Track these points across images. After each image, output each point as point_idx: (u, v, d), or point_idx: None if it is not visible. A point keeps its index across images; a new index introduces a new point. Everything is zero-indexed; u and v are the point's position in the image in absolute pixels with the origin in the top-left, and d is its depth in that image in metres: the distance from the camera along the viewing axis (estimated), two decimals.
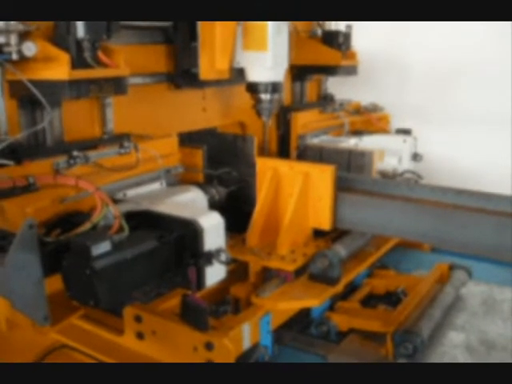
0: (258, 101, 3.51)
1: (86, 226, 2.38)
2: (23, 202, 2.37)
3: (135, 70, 3.10)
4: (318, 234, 3.38)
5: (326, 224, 3.25)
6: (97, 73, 2.63)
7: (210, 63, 3.32)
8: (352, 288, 3.65)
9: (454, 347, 3.11)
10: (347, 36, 4.42)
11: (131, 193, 2.93)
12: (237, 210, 3.45)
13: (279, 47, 3.33)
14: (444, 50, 5.09)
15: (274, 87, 3.45)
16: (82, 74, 2.56)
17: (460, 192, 3.04)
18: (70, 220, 2.51)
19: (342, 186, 3.26)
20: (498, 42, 4.83)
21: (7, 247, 2.12)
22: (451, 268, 3.77)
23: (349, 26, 4.43)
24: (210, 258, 2.49)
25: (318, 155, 4.09)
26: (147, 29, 3.31)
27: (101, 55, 2.67)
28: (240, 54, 3.32)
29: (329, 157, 4.02)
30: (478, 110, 5.02)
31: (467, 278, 3.74)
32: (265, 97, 3.48)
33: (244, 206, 3.51)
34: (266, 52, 3.27)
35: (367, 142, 4.32)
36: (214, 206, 3.20)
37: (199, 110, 3.74)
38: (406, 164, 4.34)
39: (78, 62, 2.56)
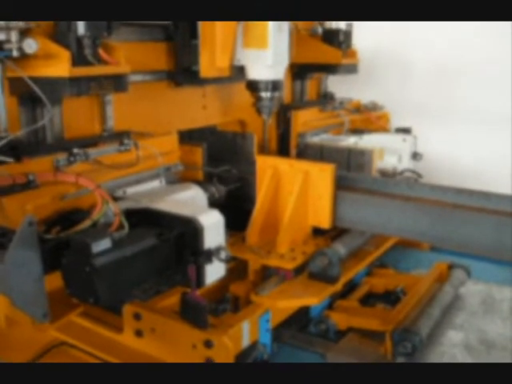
0: (258, 99, 3.51)
1: (86, 223, 2.38)
2: (23, 199, 2.36)
3: (135, 67, 3.08)
4: (317, 232, 3.38)
5: (325, 222, 3.25)
6: (97, 70, 2.62)
7: (211, 61, 3.31)
8: (351, 287, 3.66)
9: (453, 346, 3.11)
10: (348, 34, 4.41)
11: (131, 190, 2.93)
12: (237, 208, 3.45)
13: (280, 45, 3.32)
14: (444, 49, 5.09)
15: (275, 85, 3.45)
16: (82, 71, 2.55)
17: (459, 191, 3.04)
18: (69, 217, 2.51)
19: (341, 185, 3.26)
20: (498, 41, 4.82)
21: (7, 244, 2.13)
22: (450, 267, 3.78)
23: (349, 25, 4.42)
24: (209, 255, 2.49)
25: (318, 154, 4.09)
26: (148, 26, 3.31)
27: (101, 52, 2.66)
28: (240, 51, 3.32)
29: (329, 155, 4.02)
30: (478, 109, 5.02)
31: (466, 278, 3.74)
32: (265, 95, 3.47)
33: (244, 204, 3.50)
34: (267, 50, 3.26)
35: (367, 141, 4.32)
36: (213, 203, 3.20)
37: (199, 108, 3.73)
38: (406, 163, 4.33)
39: (78, 59, 2.55)
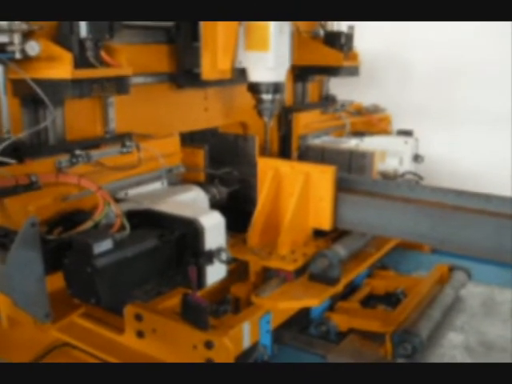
0: (259, 101, 3.52)
1: (88, 224, 2.40)
2: (25, 200, 2.38)
3: (137, 69, 3.09)
4: (318, 234, 3.39)
5: (326, 224, 3.26)
6: (99, 72, 2.64)
7: (212, 63, 3.32)
8: (352, 288, 3.67)
9: (453, 348, 3.12)
10: (349, 37, 4.42)
11: (133, 192, 2.94)
12: (238, 209, 3.47)
13: (281, 47, 3.34)
14: (445, 50, 5.09)
15: (276, 87, 3.46)
16: (84, 73, 2.57)
17: (460, 193, 3.05)
18: (71, 218, 2.52)
19: (342, 187, 3.27)
20: (499, 41, 4.83)
21: (9, 245, 2.14)
22: (451, 269, 3.79)
23: (351, 27, 4.43)
24: (210, 257, 2.50)
25: (320, 156, 4.10)
26: (150, 28, 3.32)
27: (103, 55, 2.68)
28: (242, 54, 3.33)
29: (330, 157, 4.03)
30: (479, 111, 5.02)
31: (467, 280, 3.75)
32: (266, 97, 3.48)
33: (245, 205, 3.52)
34: (268, 52, 3.28)
35: (368, 143, 4.33)
36: (215, 205, 3.21)
37: (201, 110, 3.75)
38: (407, 165, 4.34)
39: (80, 62, 2.57)
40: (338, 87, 4.99)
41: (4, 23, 2.41)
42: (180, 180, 3.28)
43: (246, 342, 2.73)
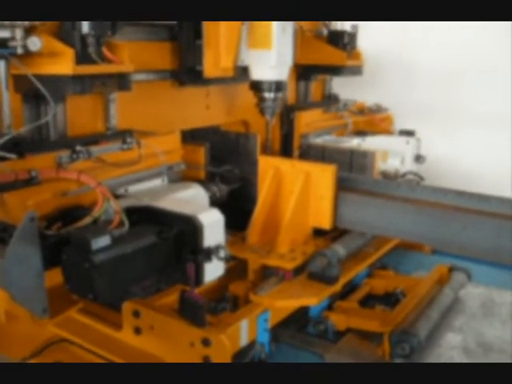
0: (261, 99, 3.53)
1: (87, 220, 2.41)
2: (25, 195, 2.39)
3: (140, 66, 3.11)
4: (317, 233, 3.39)
5: (326, 223, 3.26)
6: (101, 68, 2.64)
7: (215, 61, 3.33)
8: (351, 288, 3.66)
9: (451, 348, 3.11)
10: (353, 36, 4.43)
11: (133, 188, 2.96)
12: (238, 207, 3.47)
13: (284, 46, 3.34)
14: (449, 50, 5.09)
15: (278, 86, 3.47)
16: (85, 69, 2.57)
17: (460, 194, 3.05)
18: (71, 214, 2.53)
19: (343, 186, 3.27)
20: (503, 42, 4.82)
21: (8, 240, 2.14)
22: (451, 270, 3.78)
23: (354, 26, 4.44)
24: (209, 254, 2.50)
25: (321, 155, 4.11)
26: (152, 26, 3.33)
27: (105, 51, 2.69)
28: (244, 52, 3.34)
29: (331, 156, 4.03)
30: (482, 112, 5.02)
31: (467, 281, 3.74)
32: (268, 95, 3.49)
33: (245, 203, 3.52)
34: (271, 50, 3.28)
35: (370, 143, 4.33)
36: (215, 203, 3.22)
37: (202, 108, 3.75)
38: (409, 165, 4.34)
39: (82, 58, 2.57)
40: (341, 86, 4.99)
41: None
42: (180, 177, 3.29)
43: (244, 340, 2.73)
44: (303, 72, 4.53)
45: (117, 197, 2.69)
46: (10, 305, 2.69)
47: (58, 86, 2.56)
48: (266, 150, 4.04)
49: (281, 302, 2.94)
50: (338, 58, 4.36)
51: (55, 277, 2.35)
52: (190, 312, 2.61)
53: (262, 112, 3.58)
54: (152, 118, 3.39)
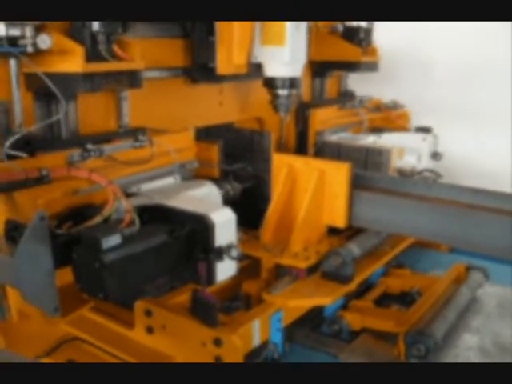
0: (275, 96, 3.48)
1: (97, 219, 2.39)
2: (35, 194, 2.38)
3: (152, 63, 3.10)
4: (332, 231, 3.35)
5: (340, 222, 3.22)
6: (111, 66, 2.63)
7: (228, 58, 3.30)
8: (367, 287, 3.62)
9: (468, 349, 3.06)
10: (368, 32, 4.37)
11: (145, 187, 2.94)
12: (252, 205, 3.44)
13: (297, 42, 3.30)
14: (467, 46, 5.02)
15: (292, 83, 3.42)
16: (96, 67, 2.56)
17: (477, 191, 3.00)
18: (82, 213, 2.52)
19: (358, 184, 3.23)
20: None
21: (18, 238, 2.13)
22: (468, 269, 3.72)
23: (370, 22, 4.38)
24: (220, 253, 2.47)
25: (336, 152, 4.06)
26: (165, 23, 3.30)
27: (116, 48, 2.67)
28: (258, 48, 3.31)
29: (346, 154, 3.98)
30: (500, 109, 4.94)
31: (484, 280, 3.68)
32: (282, 92, 3.45)
33: (259, 202, 3.49)
34: (284, 47, 3.24)
35: (386, 140, 4.27)
36: (228, 201, 3.20)
37: (216, 105, 3.72)
38: (426, 162, 4.27)
39: (92, 55, 2.56)
40: (357, 83, 4.93)
41: None
42: (193, 175, 3.27)
43: (256, 340, 2.70)
44: (318, 68, 4.48)
45: (129, 195, 2.68)
46: (22, 303, 2.68)
47: (69, 84, 2.55)
48: (281, 148, 4.01)
49: (294, 302, 2.90)
50: (354, 54, 4.30)
51: (67, 275, 2.34)
52: (202, 312, 2.59)
53: (275, 109, 3.54)
54: (165, 115, 3.37)
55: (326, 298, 2.93)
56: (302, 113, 4.23)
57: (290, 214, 3.26)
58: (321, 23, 4.37)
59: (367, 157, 3.88)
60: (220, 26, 3.25)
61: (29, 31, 2.45)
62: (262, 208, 3.29)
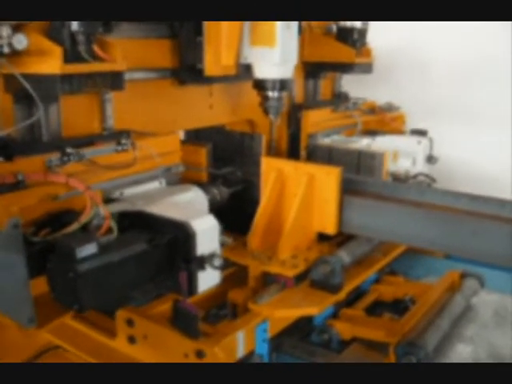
0: (265, 98, 3.39)
1: (74, 226, 2.30)
2: (9, 200, 2.27)
3: (139, 64, 3.02)
4: (323, 238, 3.26)
5: (330, 228, 3.14)
6: (91, 67, 2.53)
7: (216, 59, 3.20)
8: (358, 294, 3.53)
9: (461, 360, 2.97)
10: (362, 33, 4.27)
11: (129, 192, 2.84)
12: (241, 210, 3.36)
13: (288, 43, 3.20)
14: (464, 48, 4.94)
15: (282, 84, 3.33)
16: (74, 68, 2.46)
17: (473, 198, 2.92)
18: (60, 219, 2.43)
19: (349, 189, 3.15)
20: None
21: None
22: (463, 276, 3.63)
23: (364, 23, 4.28)
24: (202, 262, 2.38)
25: (327, 156, 3.97)
26: (151, 23, 3.21)
27: (96, 49, 2.57)
28: (247, 49, 3.21)
29: (338, 157, 3.89)
30: (497, 113, 4.86)
31: (479, 287, 3.59)
32: (272, 94, 3.36)
33: (248, 206, 3.40)
34: (274, 48, 3.15)
35: (380, 143, 4.18)
36: (215, 206, 3.11)
37: (205, 107, 3.63)
38: (421, 166, 4.18)
39: (71, 56, 2.46)
40: (352, 85, 4.84)
41: None
42: (180, 179, 3.17)
43: (240, 352, 2.61)
44: (311, 69, 4.39)
45: (110, 201, 2.59)
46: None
47: (47, 85, 2.45)
48: (271, 151, 3.92)
49: (280, 312, 2.82)
50: (347, 55, 4.21)
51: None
52: (184, 323, 2.50)
53: (265, 111, 3.45)
54: (153, 117, 3.28)
55: (314, 307, 2.84)
56: (294, 115, 4.14)
57: (278, 220, 3.17)
58: (314, 23, 4.28)
59: (360, 160, 3.79)
60: (208, 26, 3.16)
61: (5, 31, 2.35)
62: (252, 213, 3.20)
